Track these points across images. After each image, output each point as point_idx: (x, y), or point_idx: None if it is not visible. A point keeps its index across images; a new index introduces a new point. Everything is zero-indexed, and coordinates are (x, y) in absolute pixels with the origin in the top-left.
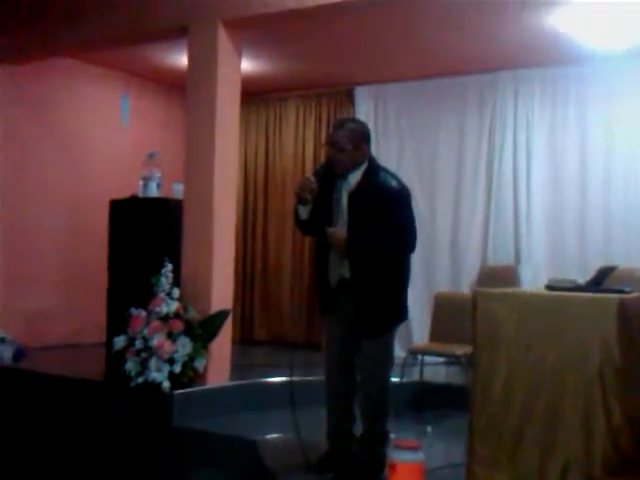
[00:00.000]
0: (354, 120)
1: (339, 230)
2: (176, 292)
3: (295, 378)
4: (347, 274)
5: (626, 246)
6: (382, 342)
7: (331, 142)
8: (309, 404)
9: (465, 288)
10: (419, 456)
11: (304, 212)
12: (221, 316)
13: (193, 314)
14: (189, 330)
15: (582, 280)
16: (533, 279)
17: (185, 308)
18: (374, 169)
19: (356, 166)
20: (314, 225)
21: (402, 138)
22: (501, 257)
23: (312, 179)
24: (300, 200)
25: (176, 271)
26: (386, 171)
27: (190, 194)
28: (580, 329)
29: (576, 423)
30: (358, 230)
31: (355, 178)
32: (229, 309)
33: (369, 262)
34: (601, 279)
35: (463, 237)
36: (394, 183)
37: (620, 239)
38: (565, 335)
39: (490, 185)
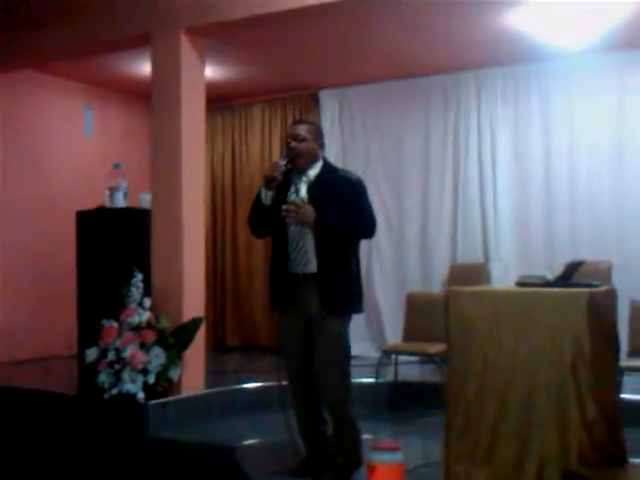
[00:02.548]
0: (310, 120)
1: (307, 205)
2: (147, 302)
3: (279, 383)
4: (313, 268)
5: (592, 240)
6: (337, 324)
7: (293, 134)
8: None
9: (436, 287)
10: (398, 456)
11: (268, 197)
12: (194, 324)
13: (165, 323)
14: (162, 340)
15: (551, 276)
16: (503, 276)
17: (157, 318)
18: (331, 165)
19: (314, 160)
20: (271, 219)
21: (368, 140)
22: (470, 255)
23: (281, 162)
24: (268, 182)
25: (146, 281)
26: (341, 169)
27: (158, 203)
28: (551, 324)
29: (551, 417)
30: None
31: (314, 171)
32: (201, 317)
33: (335, 250)
34: (570, 274)
35: (432, 236)
36: (351, 175)
37: (586, 234)
38: (537, 331)
39: (457, 184)
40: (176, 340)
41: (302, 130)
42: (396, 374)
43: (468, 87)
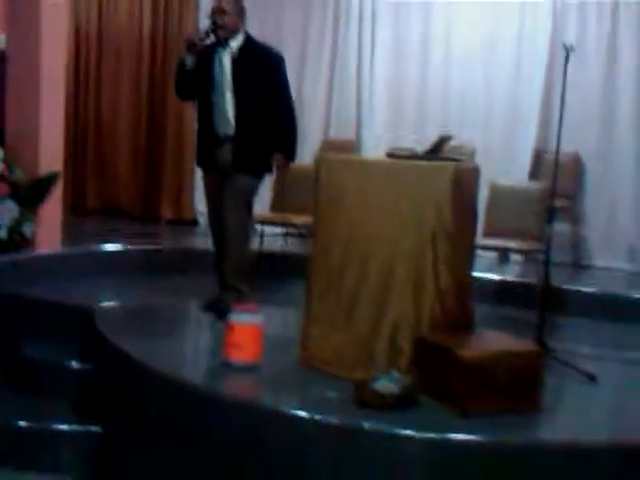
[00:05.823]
0: None
1: (278, 157)
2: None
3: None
4: (232, 131)
5: (461, 120)
6: (252, 179)
7: (216, 8)
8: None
9: (307, 160)
10: (258, 318)
11: (190, 61)
12: (50, 179)
13: (19, 176)
14: (15, 193)
15: (420, 149)
16: (373, 151)
17: (10, 169)
18: (252, 38)
19: (235, 32)
20: (194, 82)
21: (247, 8)
22: (344, 130)
23: (203, 30)
24: (189, 47)
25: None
26: (262, 42)
27: (14, 43)
28: (416, 195)
29: (407, 284)
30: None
31: (237, 43)
32: (59, 171)
33: (251, 115)
34: (437, 148)
35: (306, 109)
36: (272, 49)
37: (456, 113)
38: (402, 201)
39: (335, 55)
40: (31, 194)
41: (225, 3)
42: (261, 245)
43: None
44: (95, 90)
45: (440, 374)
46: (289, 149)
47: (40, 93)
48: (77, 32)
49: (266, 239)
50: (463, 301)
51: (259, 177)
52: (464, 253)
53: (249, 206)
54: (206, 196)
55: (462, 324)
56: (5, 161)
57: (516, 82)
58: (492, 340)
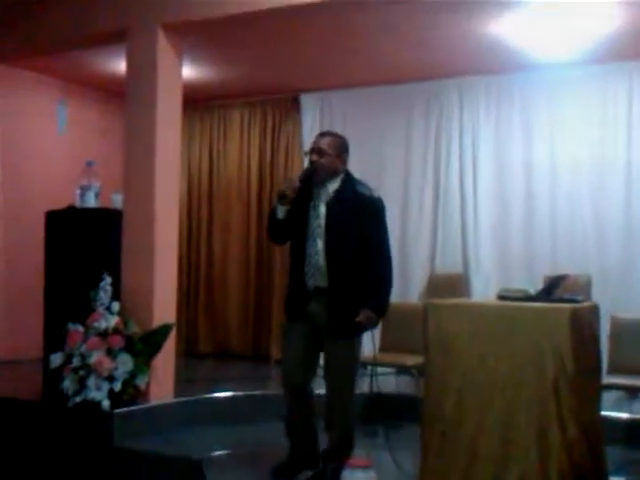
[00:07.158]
0: (335, 133)
1: (365, 313)
2: (116, 306)
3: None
4: (324, 283)
5: (571, 254)
6: (351, 345)
7: (314, 148)
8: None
9: (414, 298)
10: (370, 474)
11: (282, 211)
12: (164, 331)
13: (134, 329)
14: (130, 346)
15: (532, 289)
16: (482, 288)
17: (125, 323)
18: (351, 179)
19: (335, 174)
20: (287, 229)
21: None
22: (449, 266)
23: (296, 179)
24: (281, 198)
25: (116, 285)
26: (362, 183)
27: (130, 204)
28: (533, 340)
29: (531, 436)
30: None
31: (334, 186)
32: (172, 323)
33: (346, 268)
34: (552, 288)
35: (411, 246)
36: (371, 193)
37: (566, 247)
38: (518, 346)
39: (437, 193)
40: (145, 346)
41: (324, 144)
42: (372, 386)
43: (450, 95)
44: (206, 238)
45: None
46: (379, 306)
47: (154, 250)
48: (189, 183)
49: (377, 379)
50: (594, 451)
51: (360, 336)
52: (590, 397)
53: (356, 373)
54: (286, 347)
55: (592, 474)
56: (120, 315)
57: (628, 203)
58: None
